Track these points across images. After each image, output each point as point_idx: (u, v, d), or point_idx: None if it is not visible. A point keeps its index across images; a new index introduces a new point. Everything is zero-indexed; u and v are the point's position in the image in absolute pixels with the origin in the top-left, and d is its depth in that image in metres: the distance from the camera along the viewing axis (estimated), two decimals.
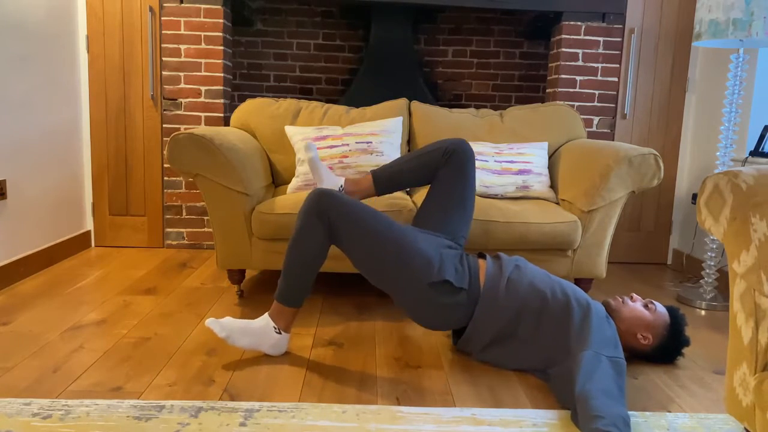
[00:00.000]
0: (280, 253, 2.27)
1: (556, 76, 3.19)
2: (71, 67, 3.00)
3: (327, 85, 3.92)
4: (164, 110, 3.13)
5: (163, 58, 3.09)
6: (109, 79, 3.09)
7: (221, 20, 3.06)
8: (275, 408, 1.53)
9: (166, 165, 3.17)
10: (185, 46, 3.08)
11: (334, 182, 2.06)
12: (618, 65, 3.16)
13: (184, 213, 3.21)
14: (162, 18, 3.06)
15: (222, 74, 3.10)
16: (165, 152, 3.16)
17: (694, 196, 3.08)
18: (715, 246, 2.60)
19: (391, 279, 1.79)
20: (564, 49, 3.14)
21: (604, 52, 3.15)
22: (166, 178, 3.18)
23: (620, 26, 3.13)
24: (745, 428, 1.36)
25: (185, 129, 3.15)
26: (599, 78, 3.17)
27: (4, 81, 2.45)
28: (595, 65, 3.16)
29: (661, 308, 1.87)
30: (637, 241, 3.31)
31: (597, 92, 3.18)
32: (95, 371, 1.72)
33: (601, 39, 3.13)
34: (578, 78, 3.16)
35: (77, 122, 3.07)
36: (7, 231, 2.51)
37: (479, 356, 1.85)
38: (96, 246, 3.21)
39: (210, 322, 1.78)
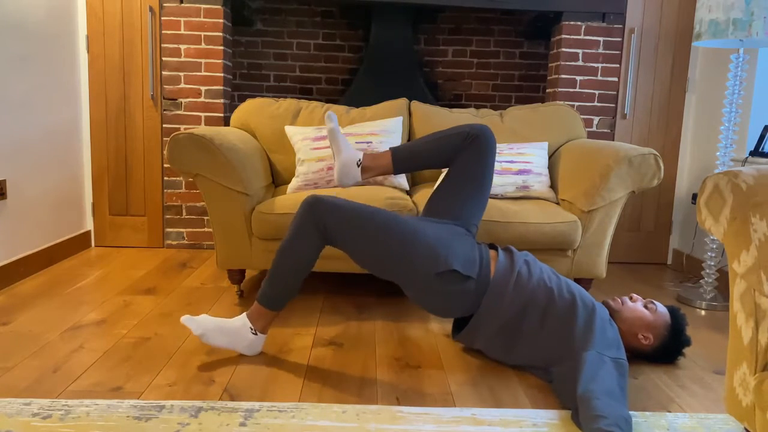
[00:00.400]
0: None
1: (556, 76, 3.19)
2: (71, 67, 3.00)
3: (327, 85, 3.92)
4: (164, 110, 3.13)
5: (163, 58, 3.09)
6: (109, 79, 3.09)
7: (221, 20, 3.06)
8: (275, 408, 1.53)
9: (166, 165, 3.17)
10: (185, 46, 3.08)
11: (352, 155, 2.01)
12: (618, 65, 3.16)
13: (184, 213, 3.21)
14: (162, 18, 3.06)
15: (222, 74, 3.10)
16: (165, 152, 3.16)
17: (694, 196, 3.08)
18: (715, 246, 2.60)
19: (397, 273, 1.78)
20: (564, 49, 3.14)
21: (604, 52, 3.15)
22: (166, 178, 3.18)
23: (620, 26, 3.13)
24: (745, 428, 1.36)
25: (185, 129, 3.15)
26: (599, 78, 3.17)
27: (4, 81, 2.45)
28: (595, 65, 3.16)
29: (661, 308, 1.87)
30: (637, 241, 3.31)
31: (597, 92, 3.18)
32: (95, 371, 1.72)
33: (601, 39, 3.14)
34: (578, 78, 3.16)
35: (77, 122, 3.07)
36: (7, 231, 2.51)
37: (481, 348, 1.85)
38: (96, 246, 3.21)
39: (185, 319, 1.77)
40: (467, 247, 1.82)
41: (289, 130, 2.61)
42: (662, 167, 2.24)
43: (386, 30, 3.63)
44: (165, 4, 3.05)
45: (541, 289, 1.77)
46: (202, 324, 1.79)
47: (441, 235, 1.80)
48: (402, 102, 2.80)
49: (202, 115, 3.13)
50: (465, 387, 1.71)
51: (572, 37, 3.13)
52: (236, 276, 2.39)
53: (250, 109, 2.74)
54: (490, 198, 2.47)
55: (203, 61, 3.09)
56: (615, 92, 3.19)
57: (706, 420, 1.56)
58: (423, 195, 2.42)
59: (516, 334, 1.78)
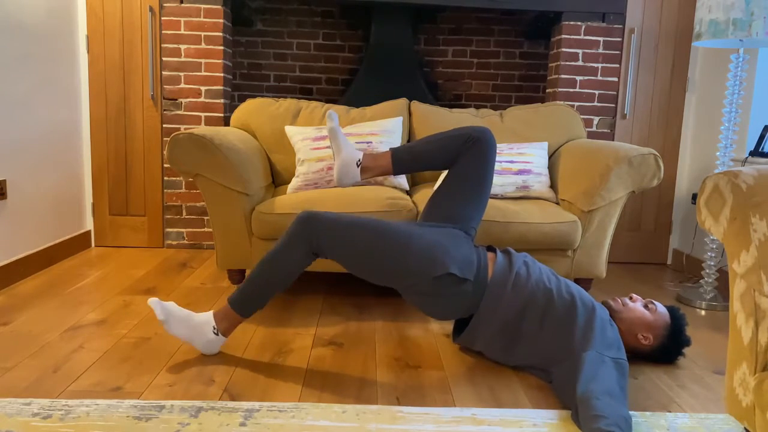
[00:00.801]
0: None
1: (556, 76, 3.19)
2: (71, 67, 3.00)
3: (327, 85, 3.92)
4: (164, 110, 3.13)
5: (163, 58, 3.09)
6: (109, 79, 3.09)
7: (221, 20, 3.06)
8: (275, 408, 1.53)
9: (166, 165, 3.17)
10: (185, 46, 3.08)
11: (352, 155, 2.02)
12: (618, 65, 3.16)
13: (184, 213, 3.21)
14: (162, 18, 3.06)
15: (222, 74, 3.10)
16: (165, 152, 3.16)
17: (694, 196, 3.08)
18: (715, 246, 2.60)
19: (394, 280, 1.79)
20: (564, 49, 3.14)
21: (604, 52, 3.15)
22: (166, 178, 3.18)
23: (620, 26, 3.13)
24: (745, 428, 1.35)
25: (185, 129, 3.15)
26: (599, 78, 3.17)
27: (4, 81, 2.45)
28: (595, 65, 3.16)
29: (661, 308, 1.87)
30: (637, 241, 3.31)
31: (597, 92, 3.18)
32: (95, 371, 1.72)
33: (601, 39, 3.14)
34: (578, 78, 3.16)
35: (77, 122, 3.07)
36: (7, 231, 2.51)
37: (481, 350, 1.85)
38: (96, 246, 3.21)
39: (153, 301, 1.75)
40: (465, 250, 1.82)
41: (289, 130, 2.61)
42: (662, 167, 2.24)
43: (386, 30, 3.63)
44: (165, 4, 3.05)
45: (540, 289, 1.76)
46: (168, 310, 1.77)
47: (438, 239, 1.80)
48: (402, 102, 2.80)
49: (202, 115, 3.14)
50: (465, 387, 1.71)
51: (572, 37, 3.13)
52: (236, 276, 2.39)
53: (250, 109, 2.74)
54: (490, 198, 2.47)
55: (203, 61, 3.09)
56: (615, 92, 3.19)
57: (706, 420, 1.56)
58: (423, 195, 2.42)
59: (516, 335, 1.78)
